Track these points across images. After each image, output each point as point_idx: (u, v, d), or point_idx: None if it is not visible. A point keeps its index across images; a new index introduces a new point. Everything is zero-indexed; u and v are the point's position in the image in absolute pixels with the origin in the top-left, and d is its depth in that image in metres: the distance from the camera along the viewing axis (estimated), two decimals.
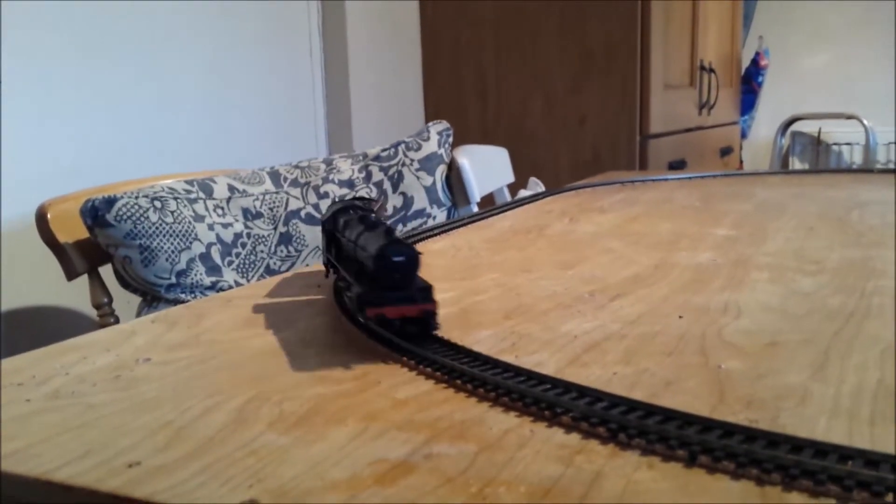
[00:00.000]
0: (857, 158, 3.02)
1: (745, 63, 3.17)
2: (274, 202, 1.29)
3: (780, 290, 0.69)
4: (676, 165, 2.30)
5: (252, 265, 1.23)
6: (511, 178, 1.80)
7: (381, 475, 0.34)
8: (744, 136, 3.17)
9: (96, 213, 1.11)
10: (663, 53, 2.19)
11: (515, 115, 2.23)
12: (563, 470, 0.35)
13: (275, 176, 1.32)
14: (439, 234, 1.03)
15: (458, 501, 0.32)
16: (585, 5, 2.10)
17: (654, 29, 2.10)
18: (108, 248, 1.15)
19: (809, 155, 3.13)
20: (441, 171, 1.46)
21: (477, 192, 1.50)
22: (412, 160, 1.43)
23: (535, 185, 1.75)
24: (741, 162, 3.13)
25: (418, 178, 1.42)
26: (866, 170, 1.75)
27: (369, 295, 0.50)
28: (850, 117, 2.96)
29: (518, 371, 0.44)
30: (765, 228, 1.04)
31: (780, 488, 0.32)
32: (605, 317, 0.61)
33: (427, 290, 0.50)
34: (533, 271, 0.79)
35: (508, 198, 1.72)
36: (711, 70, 2.59)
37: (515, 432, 0.39)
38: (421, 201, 1.40)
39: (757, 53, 3.14)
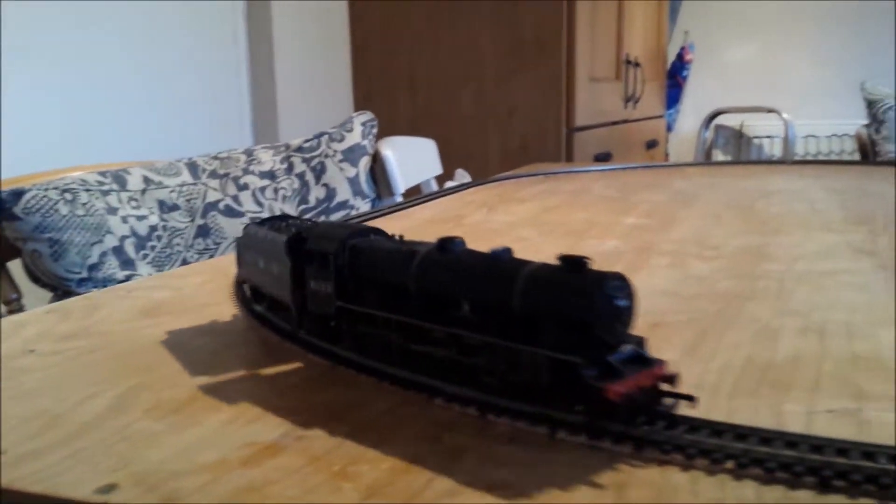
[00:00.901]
0: (778, 151, 3.13)
1: (671, 58, 3.25)
2: (191, 194, 1.27)
3: (676, 275, 0.72)
4: (602, 157, 2.35)
5: (168, 258, 1.21)
6: (439, 170, 1.81)
7: (248, 457, 0.35)
8: (669, 129, 3.25)
9: (3, 205, 1.08)
10: (589, 48, 2.22)
11: (445, 107, 2.24)
12: (429, 447, 0.36)
13: (192, 167, 1.30)
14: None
15: (318, 479, 0.32)
16: (514, 1, 2.13)
17: (580, 24, 2.14)
18: (17, 242, 1.11)
19: (732, 147, 3.23)
20: (365, 162, 1.46)
21: (401, 183, 1.51)
22: (335, 151, 1.42)
23: (462, 177, 1.76)
24: (667, 154, 3.21)
25: (341, 169, 1.42)
26: (779, 161, 1.82)
27: (600, 366, 0.34)
28: (770, 111, 3.07)
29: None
30: (673, 217, 1.07)
31: (630, 456, 0.34)
32: None
33: (642, 342, 0.36)
34: None
35: (436, 189, 1.73)
36: (637, 64, 2.65)
37: (393, 414, 0.40)
38: (344, 193, 1.40)
39: (682, 48, 3.22)
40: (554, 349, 0.35)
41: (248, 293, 0.59)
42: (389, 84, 2.29)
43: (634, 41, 2.66)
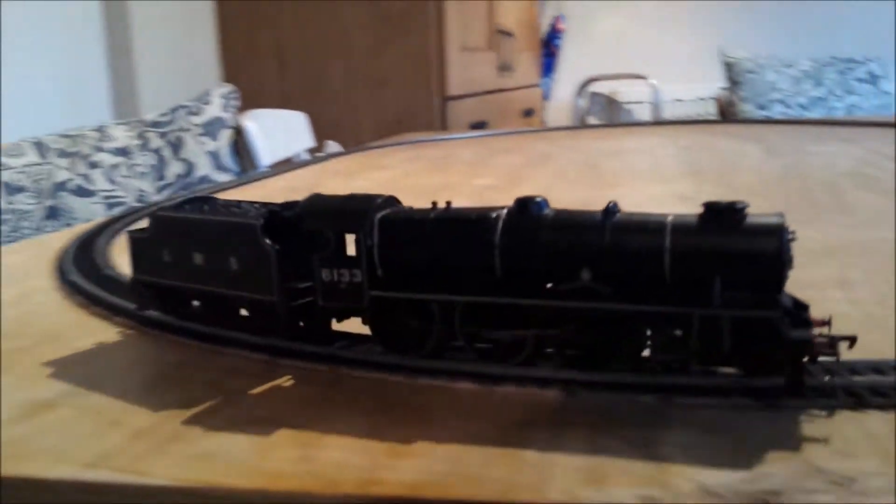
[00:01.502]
0: (648, 115, 3.25)
1: (545, 28, 3.32)
2: (38, 174, 1.21)
3: None
4: (478, 126, 2.38)
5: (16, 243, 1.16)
6: (310, 143, 1.79)
7: (20, 415, 0.35)
8: (546, 97, 3.33)
9: None
10: (460, 17, 2.24)
11: (316, 80, 2.22)
12: (210, 392, 0.36)
13: (39, 146, 1.24)
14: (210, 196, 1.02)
15: (87, 428, 0.33)
16: None
17: None
18: None
19: (606, 113, 3.34)
20: (227, 135, 1.44)
21: (265, 156, 1.49)
22: (193, 125, 1.39)
23: (332, 148, 1.76)
24: (544, 122, 3.28)
25: (201, 143, 1.38)
26: (637, 123, 1.90)
27: (790, 319, 0.31)
28: (638, 77, 3.19)
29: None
30: (523, 177, 1.11)
31: (406, 384, 0.36)
32: None
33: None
34: None
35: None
36: (510, 34, 2.69)
37: (191, 365, 0.41)
38: (204, 167, 1.37)
39: (555, 18, 3.29)
40: (730, 308, 0.31)
41: (145, 299, 0.46)
42: (257, 58, 2.24)
43: (507, 12, 2.70)
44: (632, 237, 0.33)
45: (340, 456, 0.30)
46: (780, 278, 0.31)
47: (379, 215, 0.37)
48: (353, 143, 1.99)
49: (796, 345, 0.30)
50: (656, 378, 0.33)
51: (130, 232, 0.45)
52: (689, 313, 0.31)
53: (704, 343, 0.31)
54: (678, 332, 0.32)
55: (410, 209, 0.39)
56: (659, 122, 2.16)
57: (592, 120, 3.36)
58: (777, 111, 2.68)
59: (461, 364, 0.36)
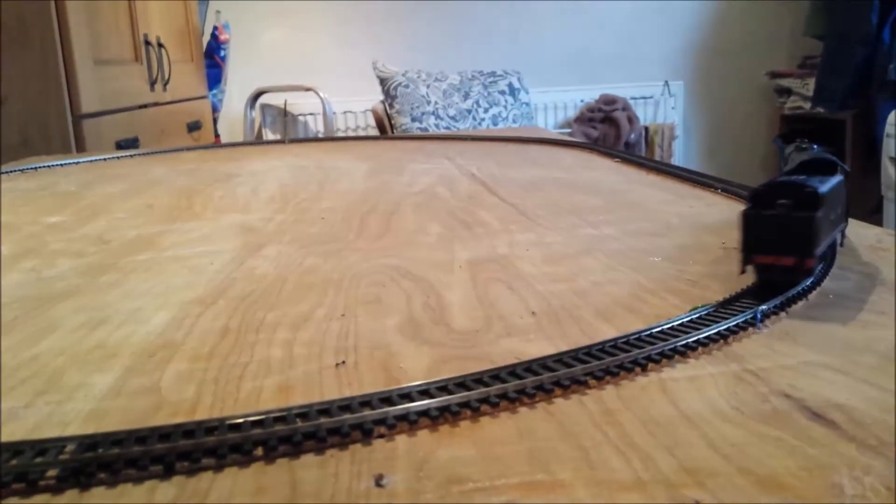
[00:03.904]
0: (321, 127, 3.32)
1: (208, 38, 3.24)
2: None
3: (35, 273, 0.71)
4: (127, 145, 2.25)
5: None
6: None
7: None
8: (216, 109, 3.24)
9: None
10: (89, 28, 2.10)
11: None
12: None
13: None
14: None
15: None
16: None
17: (71, 3, 2.00)
18: None
19: (279, 126, 3.35)
20: None
21: None
22: None
23: None
24: (218, 135, 3.21)
25: None
26: (279, 141, 1.92)
27: None
28: (307, 89, 3.24)
29: None
30: (103, 210, 1.05)
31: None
32: None
33: None
34: None
35: None
36: (161, 45, 2.58)
37: None
38: None
39: (216, 28, 3.22)
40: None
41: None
42: None
43: (154, 21, 2.59)
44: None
45: None
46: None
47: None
48: None
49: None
50: None
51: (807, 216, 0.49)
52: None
53: None
54: None
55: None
56: (310, 139, 2.19)
57: (268, 132, 3.35)
58: (430, 123, 2.88)
59: None
